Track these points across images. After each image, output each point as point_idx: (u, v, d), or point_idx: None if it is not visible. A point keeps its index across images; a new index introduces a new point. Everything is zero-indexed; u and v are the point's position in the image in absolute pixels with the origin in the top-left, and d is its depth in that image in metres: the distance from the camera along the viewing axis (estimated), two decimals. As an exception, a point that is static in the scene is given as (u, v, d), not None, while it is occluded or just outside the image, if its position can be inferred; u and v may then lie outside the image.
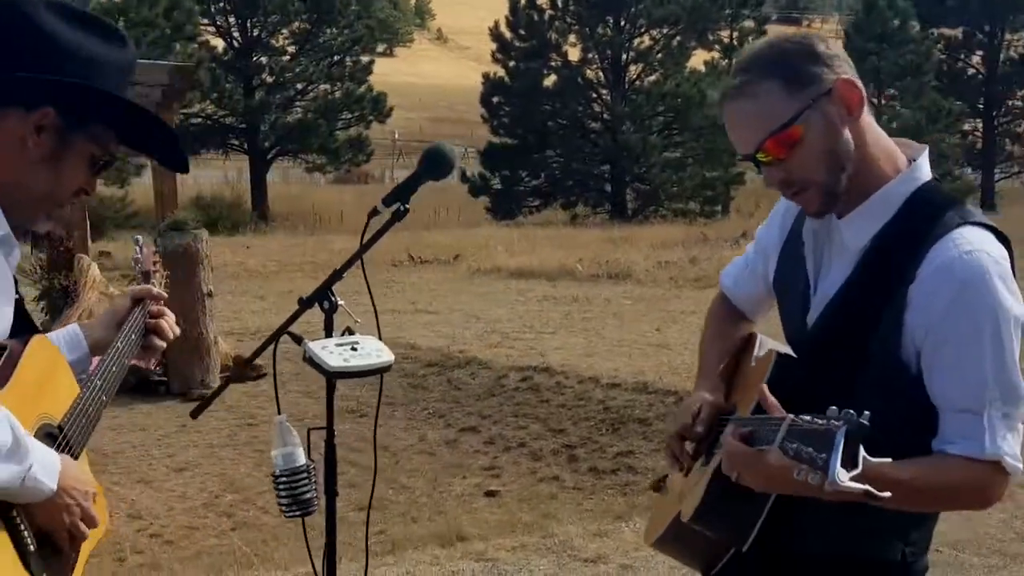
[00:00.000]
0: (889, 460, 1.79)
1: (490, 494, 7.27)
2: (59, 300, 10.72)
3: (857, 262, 2.07)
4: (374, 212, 2.62)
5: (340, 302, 2.69)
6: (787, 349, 2.24)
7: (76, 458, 2.04)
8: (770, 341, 2.38)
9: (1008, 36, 37.81)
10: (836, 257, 2.12)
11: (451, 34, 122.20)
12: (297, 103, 33.44)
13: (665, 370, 8.95)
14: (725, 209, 31.72)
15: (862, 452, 1.67)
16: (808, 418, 1.75)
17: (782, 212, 2.34)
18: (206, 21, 32.38)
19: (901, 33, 26.71)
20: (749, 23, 42.32)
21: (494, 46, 31.32)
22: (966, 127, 37.31)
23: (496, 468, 7.79)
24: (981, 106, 37.81)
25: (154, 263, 2.60)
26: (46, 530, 1.90)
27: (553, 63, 30.37)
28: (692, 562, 2.36)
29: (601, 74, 30.91)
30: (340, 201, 33.91)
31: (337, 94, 32.83)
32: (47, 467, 1.84)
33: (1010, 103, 38.35)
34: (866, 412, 1.70)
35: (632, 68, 31.00)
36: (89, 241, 11.81)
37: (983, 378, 1.94)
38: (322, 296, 2.66)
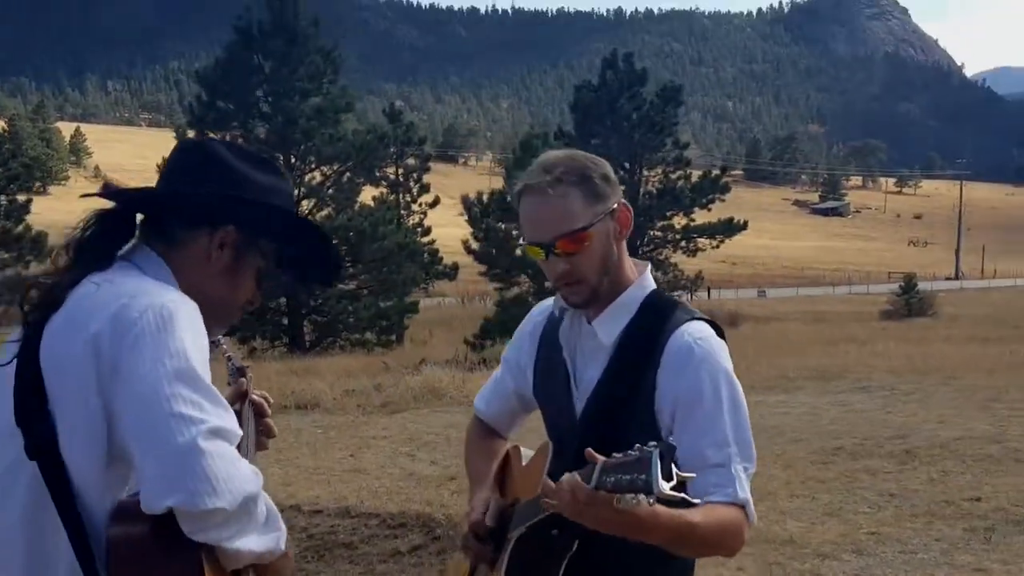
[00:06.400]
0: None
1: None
2: None
3: (610, 356, 2.40)
4: None
5: None
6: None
7: None
8: (531, 452, 2.58)
9: (645, 172, 40.99)
10: (592, 354, 2.44)
11: (109, 171, 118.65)
12: (-52, 243, 31.37)
13: (365, 494, 9.08)
14: (399, 339, 32.23)
15: (675, 468, 1.86)
16: (618, 455, 1.92)
17: (528, 332, 2.66)
18: None
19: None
20: (412, 160, 43.97)
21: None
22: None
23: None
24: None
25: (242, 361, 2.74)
26: None
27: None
28: None
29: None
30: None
31: (-7, 234, 31.07)
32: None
33: (651, 233, 41.41)
34: (672, 436, 2.11)
35: (304, 203, 31.34)
36: None
37: (726, 437, 2.26)
38: None
